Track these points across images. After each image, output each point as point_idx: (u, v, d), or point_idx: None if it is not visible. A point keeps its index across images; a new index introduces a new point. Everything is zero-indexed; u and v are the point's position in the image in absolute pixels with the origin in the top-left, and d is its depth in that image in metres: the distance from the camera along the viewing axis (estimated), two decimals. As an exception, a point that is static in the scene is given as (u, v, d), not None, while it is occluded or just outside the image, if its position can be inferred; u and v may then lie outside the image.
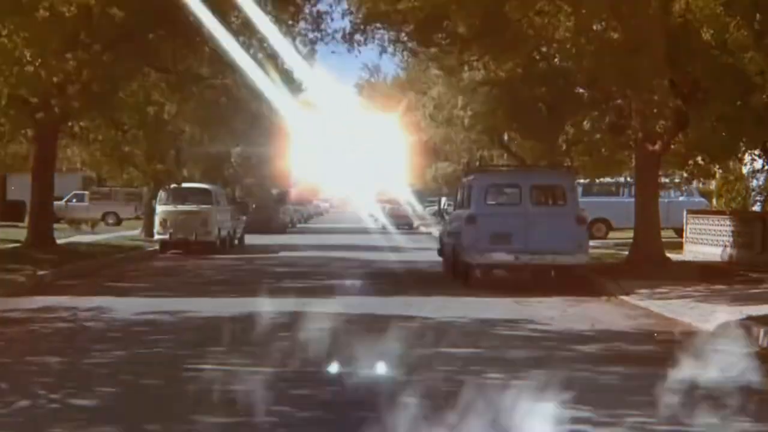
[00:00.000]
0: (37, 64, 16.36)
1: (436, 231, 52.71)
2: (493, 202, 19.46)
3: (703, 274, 19.67)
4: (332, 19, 22.95)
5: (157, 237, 31.09)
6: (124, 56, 19.35)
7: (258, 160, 52.96)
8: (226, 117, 30.51)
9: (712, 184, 36.85)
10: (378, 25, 19.54)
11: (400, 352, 10.63)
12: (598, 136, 20.49)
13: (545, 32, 17.57)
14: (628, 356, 11.19)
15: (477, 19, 17.16)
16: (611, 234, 38.31)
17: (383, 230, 62.69)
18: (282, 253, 31.95)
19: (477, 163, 22.98)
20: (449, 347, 11.50)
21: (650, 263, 20.73)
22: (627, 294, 17.45)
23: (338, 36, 20.82)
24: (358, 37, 19.67)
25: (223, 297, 17.13)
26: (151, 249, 30.50)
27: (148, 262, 27.06)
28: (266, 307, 15.32)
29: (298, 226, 68.39)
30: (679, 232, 34.28)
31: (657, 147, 20.24)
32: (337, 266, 25.44)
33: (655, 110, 17.21)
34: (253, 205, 65.18)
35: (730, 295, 16.73)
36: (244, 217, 39.20)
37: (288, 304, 15.84)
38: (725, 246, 24.51)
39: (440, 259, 22.96)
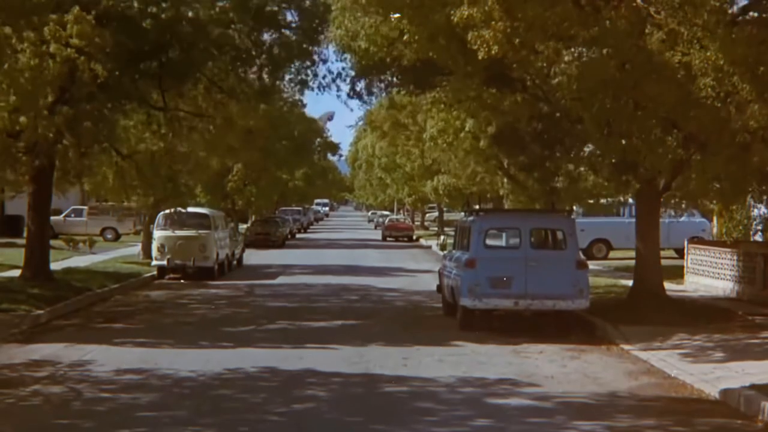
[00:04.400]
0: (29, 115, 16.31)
1: (435, 245, 52.55)
2: (493, 246, 19.20)
3: (704, 316, 19.40)
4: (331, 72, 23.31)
5: (154, 263, 30.84)
6: (113, 98, 19.26)
7: (258, 173, 52.82)
8: (225, 138, 30.39)
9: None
10: (377, 76, 19.41)
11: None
12: (592, 179, 20.22)
13: (545, 76, 17.30)
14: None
15: (478, 76, 16.94)
16: (611, 254, 38.17)
17: (383, 240, 62.67)
18: (280, 279, 31.71)
19: (477, 206, 22.65)
20: (440, 428, 11.20)
21: (651, 302, 20.46)
22: (628, 342, 17.21)
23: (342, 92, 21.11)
24: (360, 87, 19.61)
25: (214, 348, 16.79)
26: (148, 275, 30.24)
27: (145, 293, 26.81)
28: (258, 361, 15.10)
29: (298, 237, 68.26)
30: (680, 252, 34.11)
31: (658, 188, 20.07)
32: (334, 300, 25.18)
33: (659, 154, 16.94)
34: (253, 218, 65.17)
35: (731, 347, 16.46)
36: (242, 238, 38.93)
37: (282, 358, 15.57)
38: (727, 280, 24.25)
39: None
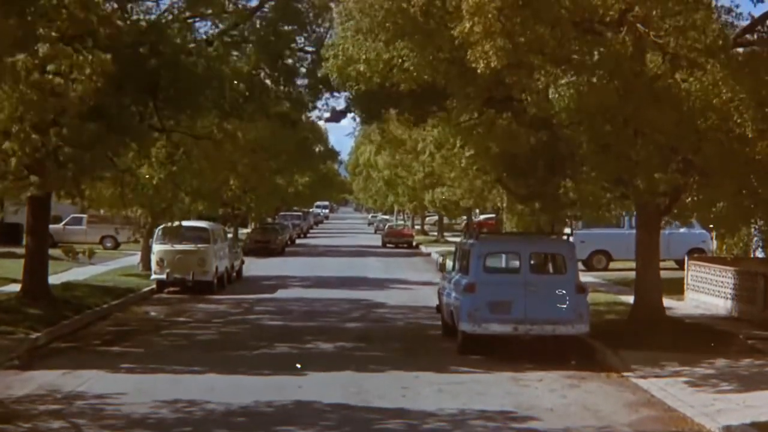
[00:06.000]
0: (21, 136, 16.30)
1: (434, 253, 52.46)
2: (492, 270, 19.13)
3: (705, 340, 19.33)
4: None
5: (154, 276, 30.77)
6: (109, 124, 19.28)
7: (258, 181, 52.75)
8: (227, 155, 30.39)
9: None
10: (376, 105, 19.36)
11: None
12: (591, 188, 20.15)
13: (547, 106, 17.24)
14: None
15: (478, 98, 16.88)
16: (612, 264, 38.14)
17: (383, 246, 62.61)
18: (279, 293, 31.66)
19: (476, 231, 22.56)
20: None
21: (651, 324, 20.41)
22: (628, 368, 17.13)
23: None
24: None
25: (209, 374, 16.69)
26: (147, 289, 30.18)
27: (144, 309, 26.77)
28: (255, 391, 15.03)
29: (297, 242, 68.22)
30: (680, 263, 34.05)
31: (659, 207, 20.02)
32: (333, 318, 25.11)
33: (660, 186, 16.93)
34: (253, 223, 65.09)
35: (733, 374, 16.41)
36: (241, 250, 38.86)
37: (278, 387, 15.45)
38: (727, 298, 24.19)
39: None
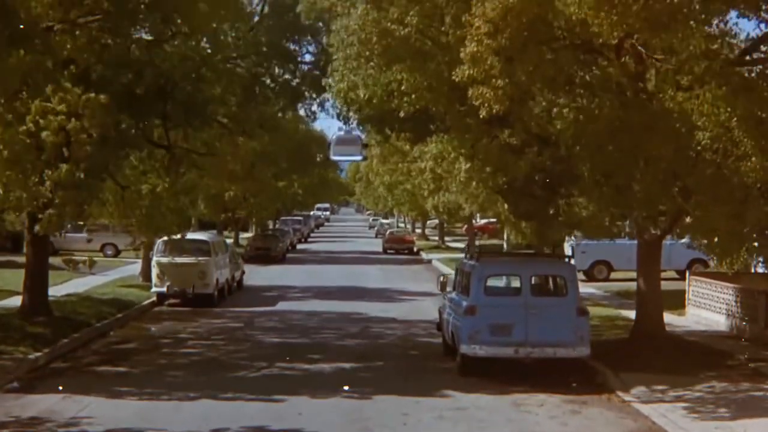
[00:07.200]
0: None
1: (436, 261, 52.42)
2: (493, 292, 19.06)
3: (706, 362, 19.29)
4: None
5: (154, 289, 30.73)
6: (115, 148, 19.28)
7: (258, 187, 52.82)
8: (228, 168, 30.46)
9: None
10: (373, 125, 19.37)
11: None
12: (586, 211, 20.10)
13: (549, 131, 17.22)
14: None
15: (478, 126, 16.86)
16: (612, 275, 38.12)
17: (384, 252, 62.57)
18: (279, 305, 31.62)
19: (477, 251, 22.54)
20: None
21: (652, 344, 20.38)
22: (629, 392, 17.09)
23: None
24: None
25: (210, 400, 16.61)
26: (147, 302, 30.15)
27: (144, 324, 26.76)
28: (254, 418, 14.98)
29: (298, 247, 68.23)
30: (681, 273, 34.03)
31: (658, 232, 19.98)
32: (333, 335, 25.04)
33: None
34: (254, 228, 65.17)
35: (734, 400, 16.35)
36: (241, 261, 38.82)
37: (277, 416, 15.37)
38: (728, 315, 24.15)
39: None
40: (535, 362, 19.19)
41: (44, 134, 16.78)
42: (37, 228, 20.06)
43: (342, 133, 30.03)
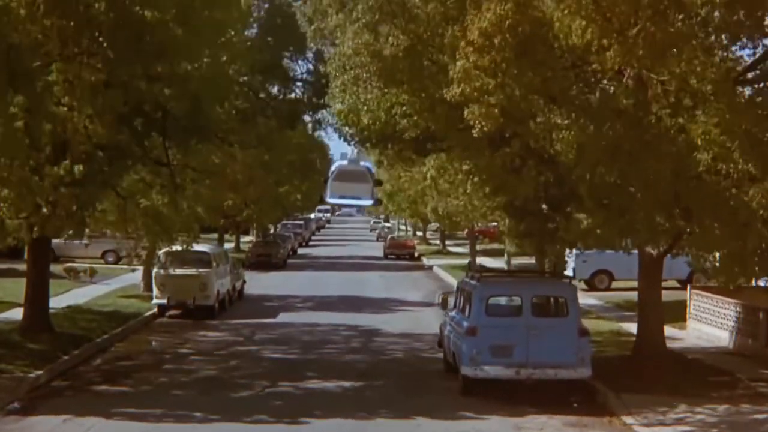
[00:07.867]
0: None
1: (437, 268, 52.44)
2: (494, 313, 19.02)
3: (707, 382, 19.28)
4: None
5: (155, 301, 30.73)
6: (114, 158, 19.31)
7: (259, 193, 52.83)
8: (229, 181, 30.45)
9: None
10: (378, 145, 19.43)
11: None
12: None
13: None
14: None
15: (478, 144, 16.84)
16: (614, 284, 38.13)
17: (384, 258, 62.59)
18: (280, 317, 31.61)
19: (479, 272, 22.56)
20: None
21: (653, 362, 20.40)
22: (630, 414, 17.07)
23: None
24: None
25: (211, 423, 16.56)
26: (148, 314, 30.15)
27: (145, 337, 26.78)
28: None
29: (299, 252, 68.21)
30: (683, 282, 34.02)
31: (660, 250, 19.97)
32: (334, 350, 25.04)
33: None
34: (255, 233, 65.11)
35: (735, 423, 16.36)
36: (242, 270, 38.80)
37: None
38: (729, 331, 24.15)
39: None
40: (537, 382, 19.20)
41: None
42: (35, 228, 19.98)
43: (345, 163, 25.29)
